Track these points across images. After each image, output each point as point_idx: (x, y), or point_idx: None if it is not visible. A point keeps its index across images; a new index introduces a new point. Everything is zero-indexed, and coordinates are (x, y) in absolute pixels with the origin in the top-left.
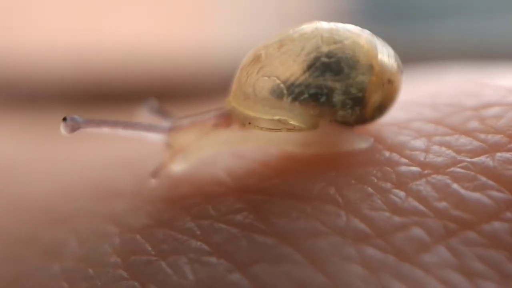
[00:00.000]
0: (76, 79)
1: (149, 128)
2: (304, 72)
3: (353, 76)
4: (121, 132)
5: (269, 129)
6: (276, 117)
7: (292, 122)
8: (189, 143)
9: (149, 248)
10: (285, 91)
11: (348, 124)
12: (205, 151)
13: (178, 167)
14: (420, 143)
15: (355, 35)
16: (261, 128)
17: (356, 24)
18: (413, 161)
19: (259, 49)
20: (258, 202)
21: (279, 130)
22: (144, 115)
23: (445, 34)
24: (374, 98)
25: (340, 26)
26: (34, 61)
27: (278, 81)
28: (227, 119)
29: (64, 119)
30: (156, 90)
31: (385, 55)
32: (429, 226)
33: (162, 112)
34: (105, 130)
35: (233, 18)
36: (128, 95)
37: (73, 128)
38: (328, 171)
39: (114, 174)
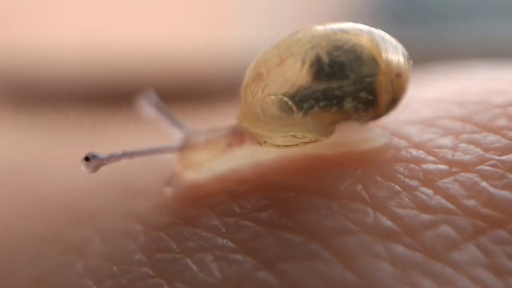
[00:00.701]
0: (87, 78)
1: (166, 150)
2: (310, 85)
3: (360, 80)
4: (139, 159)
5: (286, 146)
6: (291, 133)
7: (307, 135)
8: (202, 161)
9: (174, 246)
10: (294, 108)
11: (363, 122)
12: (220, 168)
13: (191, 176)
14: (447, 141)
15: (354, 36)
16: (278, 146)
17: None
18: (441, 159)
19: (259, 66)
20: (284, 199)
21: (296, 145)
22: (143, 108)
23: (465, 34)
24: (386, 97)
25: (337, 29)
26: (44, 61)
27: (285, 99)
28: (240, 137)
29: (87, 158)
30: (166, 89)
31: (389, 49)
32: (458, 224)
33: (160, 107)
34: (125, 161)
35: (245, 19)
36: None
37: (96, 167)
38: (354, 169)
39: (135, 172)
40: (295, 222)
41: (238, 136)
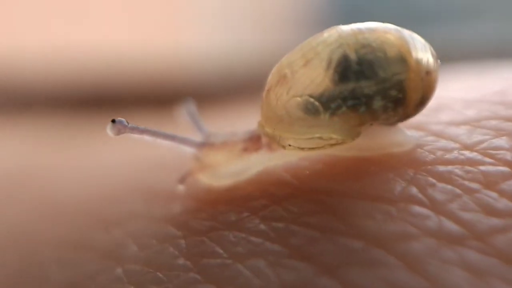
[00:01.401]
0: (73, 84)
1: (184, 141)
2: (337, 84)
3: (390, 78)
4: (159, 141)
5: (311, 148)
6: (317, 135)
7: (334, 136)
8: (218, 163)
9: (221, 251)
10: (321, 108)
11: (390, 124)
12: (234, 174)
13: (205, 180)
14: (502, 142)
15: (382, 33)
16: (303, 149)
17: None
18: (500, 161)
19: (282, 67)
20: (331, 204)
21: (322, 147)
22: (182, 116)
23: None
24: (416, 95)
25: (363, 27)
26: (36, 65)
27: (311, 99)
28: (257, 143)
29: (113, 121)
30: (152, 94)
31: (418, 46)
32: None
33: (196, 117)
34: (146, 137)
35: (210, 24)
36: (126, 99)
37: (119, 131)
38: (403, 171)
39: (152, 176)
40: (350, 227)
41: (254, 141)
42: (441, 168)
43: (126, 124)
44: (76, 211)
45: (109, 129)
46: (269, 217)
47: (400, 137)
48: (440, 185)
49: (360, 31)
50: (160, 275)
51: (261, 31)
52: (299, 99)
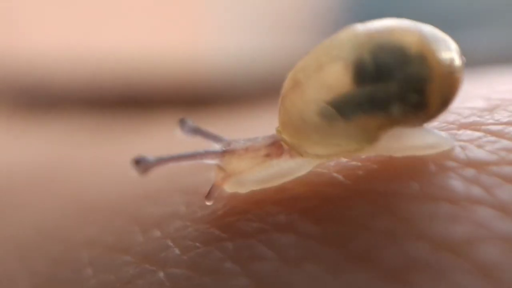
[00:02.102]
0: (102, 84)
1: (205, 154)
2: (353, 89)
3: (409, 79)
4: (184, 163)
5: (328, 155)
6: (334, 142)
7: (351, 143)
8: (242, 170)
9: (273, 255)
10: (336, 114)
11: (412, 126)
12: (260, 182)
13: (231, 188)
14: None
15: (400, 30)
16: (320, 156)
17: None
18: None
19: (296, 72)
20: (392, 205)
21: (339, 154)
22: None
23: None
24: (438, 97)
25: (381, 26)
26: (66, 65)
27: (326, 106)
28: (280, 148)
29: (137, 162)
30: (158, 97)
31: (441, 45)
32: None
33: (204, 131)
34: (171, 164)
35: (228, 26)
36: (152, 100)
37: (146, 169)
38: (465, 170)
39: (195, 175)
40: (413, 229)
41: (277, 147)
42: (507, 168)
43: (152, 160)
44: (109, 211)
45: (135, 169)
46: (324, 218)
47: (431, 139)
48: (509, 186)
49: (376, 30)
50: (206, 279)
51: (280, 34)
52: (313, 105)
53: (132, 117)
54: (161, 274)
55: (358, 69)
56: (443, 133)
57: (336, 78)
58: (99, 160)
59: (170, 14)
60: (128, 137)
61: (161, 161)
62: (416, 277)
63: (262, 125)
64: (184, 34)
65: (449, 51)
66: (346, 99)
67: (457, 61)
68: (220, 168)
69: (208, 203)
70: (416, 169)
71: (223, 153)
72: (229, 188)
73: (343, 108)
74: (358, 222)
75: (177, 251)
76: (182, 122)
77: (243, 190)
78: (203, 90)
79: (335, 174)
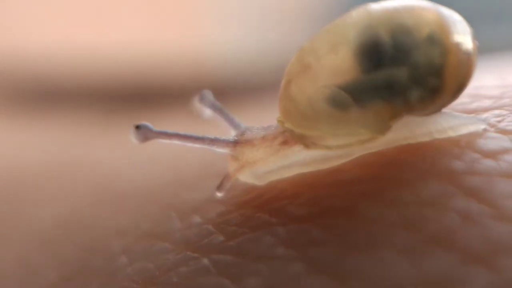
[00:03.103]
0: (109, 78)
1: (215, 141)
2: (369, 71)
3: (426, 62)
4: (189, 144)
5: (339, 146)
6: (345, 131)
7: (364, 132)
8: (257, 159)
9: (334, 239)
10: (350, 100)
11: (426, 114)
12: (277, 172)
13: (246, 179)
14: None
15: (418, 11)
16: (329, 147)
17: None
18: None
19: (305, 55)
20: (469, 184)
21: (351, 145)
22: (200, 109)
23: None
24: (454, 82)
25: (397, 5)
26: (76, 61)
27: (339, 90)
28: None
29: (137, 127)
30: (154, 92)
31: (459, 28)
32: None
33: (224, 111)
34: (175, 141)
35: (228, 22)
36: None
37: (146, 138)
38: None
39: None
40: (496, 208)
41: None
42: None
43: (152, 129)
44: (141, 198)
45: (133, 136)
46: (390, 201)
47: (454, 121)
48: None
49: (393, 9)
50: (259, 266)
51: (283, 29)
52: (325, 90)
53: (138, 111)
54: (206, 261)
55: (374, 51)
56: (465, 115)
57: (351, 61)
58: (117, 151)
59: (171, 8)
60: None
61: (164, 134)
62: (503, 260)
63: (267, 116)
64: (187, 29)
65: (465, 34)
66: (361, 84)
67: (473, 45)
68: (233, 158)
69: (218, 195)
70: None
71: (235, 143)
72: (244, 178)
73: (357, 94)
74: (433, 203)
75: (221, 237)
76: (202, 96)
77: (260, 182)
78: (208, 83)
79: (394, 154)
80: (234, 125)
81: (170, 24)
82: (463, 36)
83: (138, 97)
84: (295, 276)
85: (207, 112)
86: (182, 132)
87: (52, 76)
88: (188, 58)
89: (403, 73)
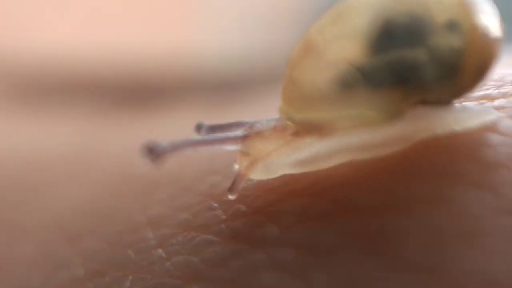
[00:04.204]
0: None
1: (225, 140)
2: (379, 48)
3: (441, 40)
4: (201, 149)
5: (345, 128)
6: (352, 111)
7: (371, 113)
8: (269, 153)
9: (414, 229)
10: (360, 77)
11: (442, 102)
12: (290, 165)
13: (259, 176)
14: None
15: None
16: (331, 132)
17: None
18: None
19: (310, 35)
20: None
21: (356, 127)
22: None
23: None
24: (473, 62)
25: None
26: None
27: (349, 66)
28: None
29: (150, 148)
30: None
31: (478, 4)
32: None
33: (216, 127)
34: (188, 151)
35: (223, 23)
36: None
37: (160, 157)
38: None
39: None
40: None
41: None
42: None
43: (166, 146)
44: (174, 188)
45: (147, 157)
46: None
47: (464, 113)
48: None
49: None
50: (325, 260)
51: (282, 29)
52: (334, 67)
53: (148, 103)
54: (260, 254)
55: (386, 30)
56: (476, 107)
57: (360, 38)
58: (133, 141)
59: (168, 9)
60: (147, 123)
61: (177, 147)
62: None
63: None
64: (183, 29)
65: (486, 14)
66: (373, 64)
67: (496, 25)
68: (243, 154)
69: (231, 197)
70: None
71: (244, 138)
72: (256, 175)
73: (367, 72)
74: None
75: (275, 228)
76: (198, 127)
77: (272, 175)
78: (208, 82)
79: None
80: (238, 127)
81: (172, 23)
82: (483, 14)
83: (146, 90)
84: (371, 272)
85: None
86: (190, 139)
87: (65, 71)
88: (189, 56)
89: (416, 53)
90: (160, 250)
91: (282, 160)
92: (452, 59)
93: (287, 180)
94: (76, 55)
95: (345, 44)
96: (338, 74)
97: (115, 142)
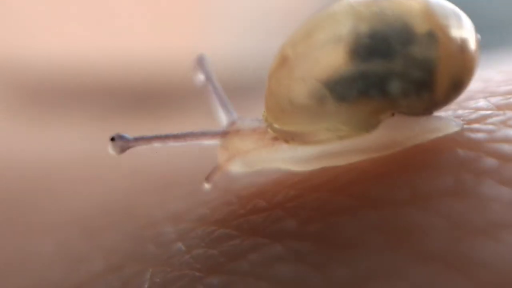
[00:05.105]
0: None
1: (202, 135)
2: (346, 64)
3: (411, 54)
4: (172, 144)
5: (317, 141)
6: (324, 126)
7: (343, 127)
8: (247, 149)
9: (443, 224)
10: (327, 93)
11: (417, 114)
12: (267, 163)
13: (237, 169)
14: None
15: (404, 2)
16: (307, 143)
17: None
18: None
19: (285, 48)
20: None
21: (330, 141)
22: (196, 74)
23: None
24: (445, 76)
25: None
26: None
27: (316, 82)
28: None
29: (112, 139)
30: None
31: (451, 17)
32: None
33: (211, 78)
34: (156, 145)
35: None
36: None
37: (123, 148)
38: None
39: None
40: None
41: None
42: None
43: (129, 138)
44: (193, 185)
45: (111, 149)
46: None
47: (435, 123)
48: None
49: (376, 0)
50: (345, 253)
51: (283, 31)
52: (302, 83)
53: (156, 107)
54: (280, 248)
55: (354, 43)
56: (447, 116)
57: (329, 53)
58: None
59: (173, 13)
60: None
61: (142, 140)
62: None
63: None
64: (189, 34)
65: (460, 25)
66: (339, 76)
67: (470, 37)
68: (223, 147)
69: (207, 186)
70: None
71: (224, 133)
72: (235, 168)
73: (335, 88)
74: None
75: (295, 222)
76: (199, 59)
77: (251, 169)
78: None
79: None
80: (227, 110)
81: (174, 26)
82: (456, 26)
83: (154, 94)
84: (392, 266)
85: (201, 78)
86: (162, 134)
87: (78, 77)
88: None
89: (382, 65)
90: (179, 244)
91: (262, 157)
92: (420, 70)
93: (307, 176)
94: (87, 60)
95: (311, 61)
96: (306, 88)
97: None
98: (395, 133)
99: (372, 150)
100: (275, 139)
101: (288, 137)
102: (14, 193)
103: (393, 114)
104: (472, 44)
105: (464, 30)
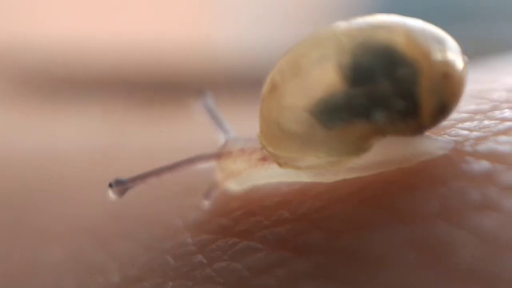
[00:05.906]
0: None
1: (196, 160)
2: (332, 95)
3: (395, 84)
4: (169, 175)
5: (308, 167)
6: (312, 152)
7: (332, 154)
8: (239, 171)
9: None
10: (314, 121)
11: (405, 136)
12: (258, 181)
13: (234, 187)
14: None
15: (385, 28)
16: (299, 168)
17: None
18: None
19: (274, 74)
20: None
21: (320, 166)
22: (200, 110)
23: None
24: (430, 103)
25: (362, 23)
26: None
27: (303, 111)
28: None
29: (110, 185)
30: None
31: (433, 44)
32: None
33: (216, 114)
34: (153, 180)
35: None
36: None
37: (122, 192)
38: None
39: None
40: None
41: None
42: None
43: (125, 181)
44: (199, 192)
45: (111, 195)
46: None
47: (424, 147)
48: None
49: (358, 28)
50: (380, 269)
51: (290, 24)
52: (290, 111)
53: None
54: (306, 262)
55: (338, 72)
56: (439, 138)
57: (313, 82)
58: (163, 141)
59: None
60: (170, 123)
61: (137, 179)
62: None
63: None
64: (197, 23)
65: (443, 50)
66: (324, 105)
67: (455, 61)
68: (220, 168)
69: (206, 203)
70: None
71: (219, 155)
72: (232, 187)
73: (321, 117)
74: None
75: (321, 235)
76: (202, 98)
77: (245, 187)
78: (216, 76)
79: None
80: (224, 130)
81: (183, 19)
82: (438, 51)
83: (167, 87)
84: (424, 282)
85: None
86: (156, 168)
87: (88, 68)
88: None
89: (367, 95)
90: (200, 256)
91: (252, 177)
92: (408, 97)
93: (331, 186)
94: (88, 50)
95: (298, 90)
96: (293, 117)
97: (141, 145)
98: (388, 152)
99: (365, 169)
100: (263, 159)
101: (281, 161)
102: (14, 193)
103: (384, 136)
104: (458, 67)
105: (448, 54)
